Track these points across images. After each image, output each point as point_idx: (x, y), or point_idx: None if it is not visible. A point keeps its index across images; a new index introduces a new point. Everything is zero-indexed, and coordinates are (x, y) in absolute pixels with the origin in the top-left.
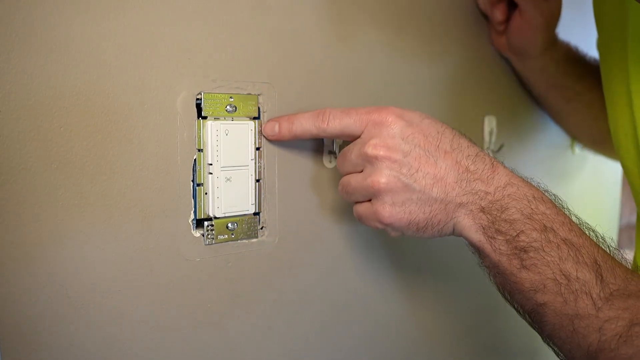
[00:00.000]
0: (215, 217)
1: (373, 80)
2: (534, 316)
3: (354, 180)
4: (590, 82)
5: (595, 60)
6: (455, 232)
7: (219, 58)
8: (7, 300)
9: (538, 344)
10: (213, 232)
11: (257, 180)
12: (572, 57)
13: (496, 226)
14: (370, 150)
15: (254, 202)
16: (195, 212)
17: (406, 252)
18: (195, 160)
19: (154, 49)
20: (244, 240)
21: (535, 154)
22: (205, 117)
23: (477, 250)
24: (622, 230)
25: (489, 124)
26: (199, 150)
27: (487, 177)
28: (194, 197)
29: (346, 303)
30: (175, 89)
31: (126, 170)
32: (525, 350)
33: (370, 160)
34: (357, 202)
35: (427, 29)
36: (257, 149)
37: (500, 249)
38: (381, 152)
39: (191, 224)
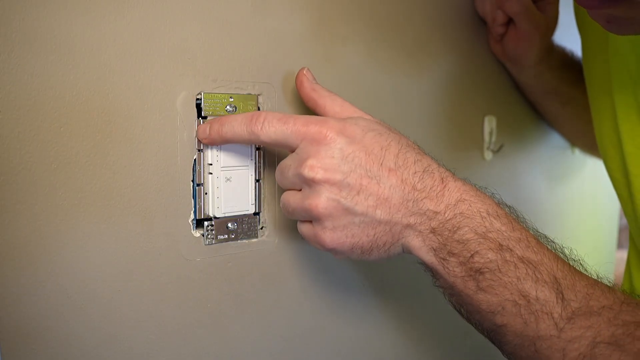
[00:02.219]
0: (215, 217)
1: (373, 80)
2: (494, 335)
3: (292, 200)
4: (585, 87)
5: None
6: (405, 252)
7: (219, 58)
8: (7, 300)
9: None
10: (213, 232)
11: (257, 180)
12: (568, 63)
13: (448, 248)
14: (306, 172)
15: (254, 202)
16: (195, 212)
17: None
18: (195, 160)
19: (154, 49)
20: (244, 240)
21: (535, 154)
22: (205, 117)
23: (430, 270)
24: (622, 230)
25: (489, 124)
26: (199, 150)
27: (437, 194)
28: (194, 197)
29: (346, 303)
30: (175, 89)
31: (126, 170)
32: None
33: (307, 182)
34: (300, 221)
35: (429, 29)
36: (257, 149)
37: (454, 271)
38: (318, 175)
39: (191, 224)
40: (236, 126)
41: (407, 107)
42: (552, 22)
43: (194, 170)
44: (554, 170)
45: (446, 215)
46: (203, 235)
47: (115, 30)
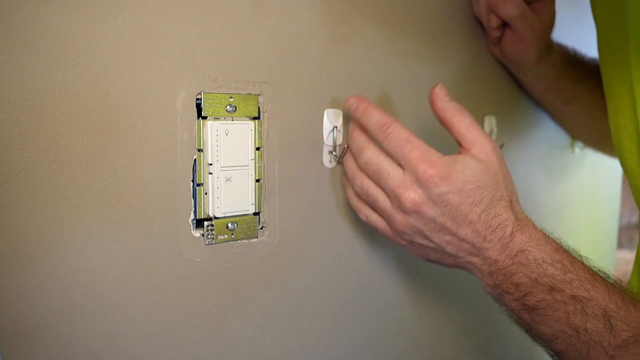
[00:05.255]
0: (215, 217)
1: (373, 81)
2: (554, 356)
3: (382, 200)
4: (589, 84)
5: (594, 61)
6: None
7: (219, 58)
8: (7, 300)
9: (533, 345)
10: (213, 232)
11: (257, 180)
12: (570, 60)
13: (503, 287)
14: (406, 202)
15: (254, 202)
16: (195, 212)
17: (407, 254)
18: (195, 160)
19: (153, 49)
20: (244, 240)
21: (535, 154)
22: (205, 117)
23: (490, 295)
24: (622, 230)
25: (489, 124)
26: (199, 150)
27: (502, 246)
28: (194, 197)
29: (346, 303)
30: (175, 89)
31: (126, 170)
32: (522, 349)
33: (401, 207)
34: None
35: (427, 30)
36: (257, 149)
37: (510, 304)
38: (414, 208)
39: (191, 224)
40: (369, 123)
41: (407, 107)
42: (548, 22)
43: (194, 170)
44: (553, 169)
45: (505, 263)
46: (203, 235)
47: (115, 30)
